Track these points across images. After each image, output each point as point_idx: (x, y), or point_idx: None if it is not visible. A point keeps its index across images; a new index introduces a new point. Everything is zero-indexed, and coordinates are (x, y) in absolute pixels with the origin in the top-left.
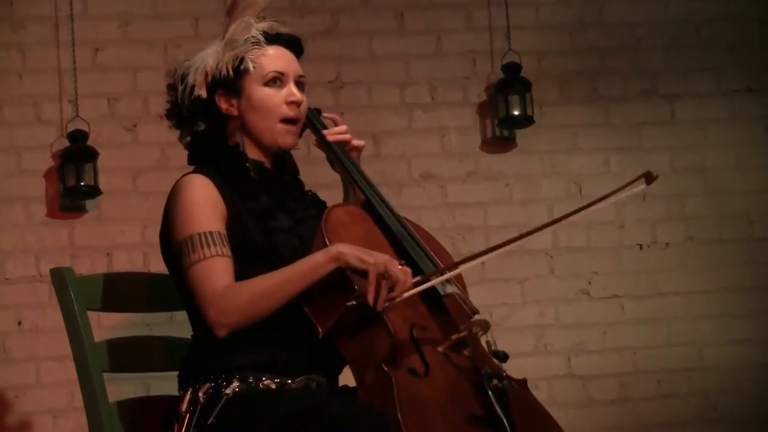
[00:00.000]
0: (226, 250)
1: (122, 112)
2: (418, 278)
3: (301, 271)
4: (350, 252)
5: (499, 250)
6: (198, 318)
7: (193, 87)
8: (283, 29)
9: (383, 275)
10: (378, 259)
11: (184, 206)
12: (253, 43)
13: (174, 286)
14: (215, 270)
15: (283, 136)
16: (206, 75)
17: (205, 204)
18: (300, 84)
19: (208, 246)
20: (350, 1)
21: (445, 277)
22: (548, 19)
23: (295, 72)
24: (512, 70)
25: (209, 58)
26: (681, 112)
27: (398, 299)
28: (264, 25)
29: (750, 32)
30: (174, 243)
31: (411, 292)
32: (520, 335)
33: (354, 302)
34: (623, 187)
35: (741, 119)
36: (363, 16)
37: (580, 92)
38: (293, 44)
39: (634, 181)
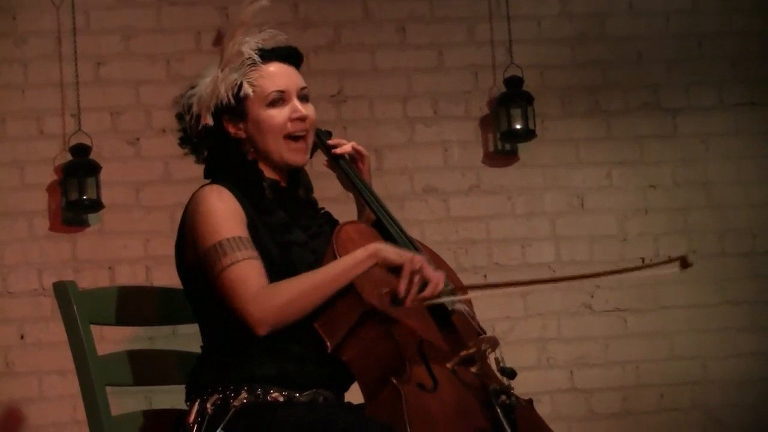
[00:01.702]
0: (256, 254)
1: (125, 125)
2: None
3: (342, 269)
4: (388, 248)
5: (521, 287)
6: (211, 329)
7: (199, 116)
8: (280, 40)
9: (417, 272)
10: (415, 257)
11: (209, 214)
12: (249, 65)
13: (187, 298)
14: (252, 271)
15: (291, 154)
16: (208, 104)
17: (228, 211)
18: (303, 97)
19: (239, 249)
20: (352, 15)
21: (473, 295)
22: (550, 33)
23: (296, 86)
24: (514, 83)
25: (209, 87)
26: (683, 125)
27: (426, 302)
28: (258, 41)
29: (752, 46)
30: (199, 252)
31: (436, 301)
32: (522, 349)
33: (387, 289)
34: (656, 265)
35: (743, 133)
36: (365, 30)
37: (582, 106)
38: (290, 57)
39: (668, 262)
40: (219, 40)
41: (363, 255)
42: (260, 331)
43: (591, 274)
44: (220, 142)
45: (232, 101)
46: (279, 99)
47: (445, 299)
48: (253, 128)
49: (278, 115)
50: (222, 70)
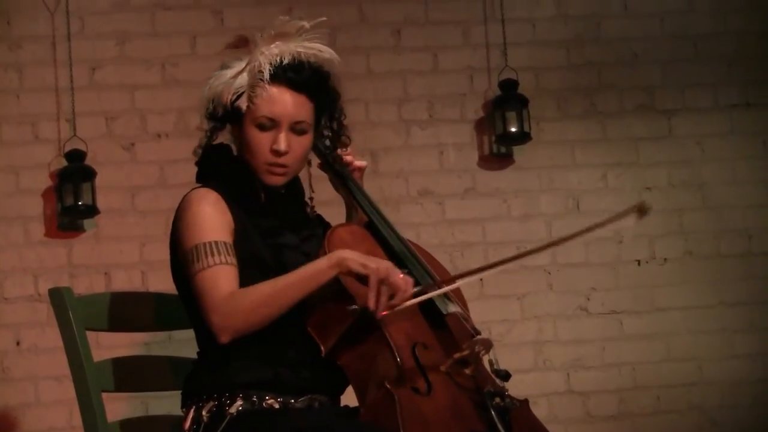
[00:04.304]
0: (232, 259)
1: (120, 130)
2: (419, 288)
3: (304, 277)
4: (352, 257)
5: (498, 267)
6: (204, 334)
7: (209, 101)
8: (315, 55)
9: (383, 281)
10: (380, 265)
11: (193, 217)
12: (258, 78)
13: (182, 302)
14: (220, 277)
15: (268, 177)
16: (212, 98)
17: (212, 215)
18: (296, 130)
19: (213, 255)
20: (347, 19)
21: (446, 289)
22: (545, 36)
23: (290, 118)
24: (509, 86)
25: (221, 83)
26: (678, 127)
27: (398, 308)
28: (284, 55)
29: (747, 47)
30: (181, 254)
31: (412, 302)
32: (518, 351)
33: (356, 307)
34: (615, 218)
35: (738, 134)
36: (360, 33)
37: (578, 108)
38: (301, 86)
39: (626, 213)
40: (235, 44)
41: (326, 264)
42: (222, 338)
43: (558, 240)
44: (216, 146)
45: (230, 107)
46: (267, 125)
47: (417, 300)
48: (241, 138)
49: (262, 140)
50: (241, 72)
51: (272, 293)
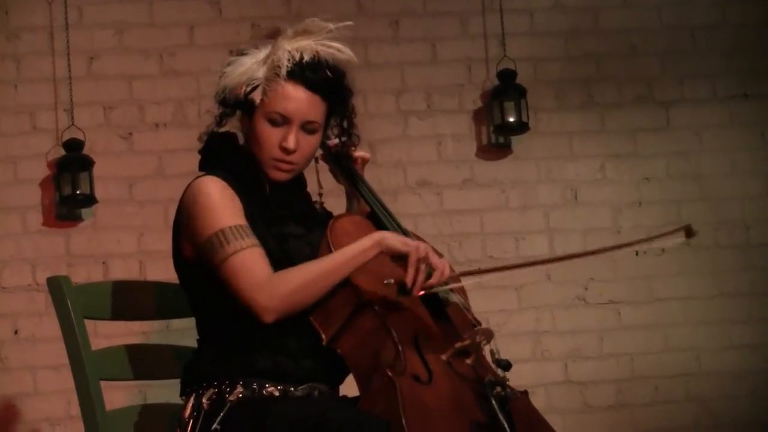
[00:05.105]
0: (258, 242)
1: (118, 120)
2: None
3: (348, 257)
4: (392, 236)
5: (515, 270)
6: (207, 322)
7: (222, 89)
8: (334, 54)
9: (423, 260)
10: (420, 245)
11: (208, 204)
12: (275, 73)
13: (183, 291)
14: (256, 259)
15: (273, 172)
16: (226, 87)
17: (227, 200)
18: (307, 129)
19: (242, 238)
20: (345, 9)
21: (476, 279)
22: (543, 26)
23: (302, 117)
24: (507, 76)
25: (238, 73)
26: (677, 118)
27: (433, 290)
28: (303, 52)
29: (745, 38)
30: (199, 241)
31: (447, 287)
32: (516, 341)
33: (391, 281)
34: (662, 236)
35: (737, 125)
36: (358, 24)
37: (576, 99)
38: (318, 87)
39: (673, 232)
40: (271, 35)
41: (368, 243)
42: (267, 318)
43: (593, 251)
44: (222, 134)
45: (243, 97)
46: (279, 121)
47: (449, 286)
48: (250, 131)
49: (271, 135)
50: (259, 64)
51: (318, 274)
